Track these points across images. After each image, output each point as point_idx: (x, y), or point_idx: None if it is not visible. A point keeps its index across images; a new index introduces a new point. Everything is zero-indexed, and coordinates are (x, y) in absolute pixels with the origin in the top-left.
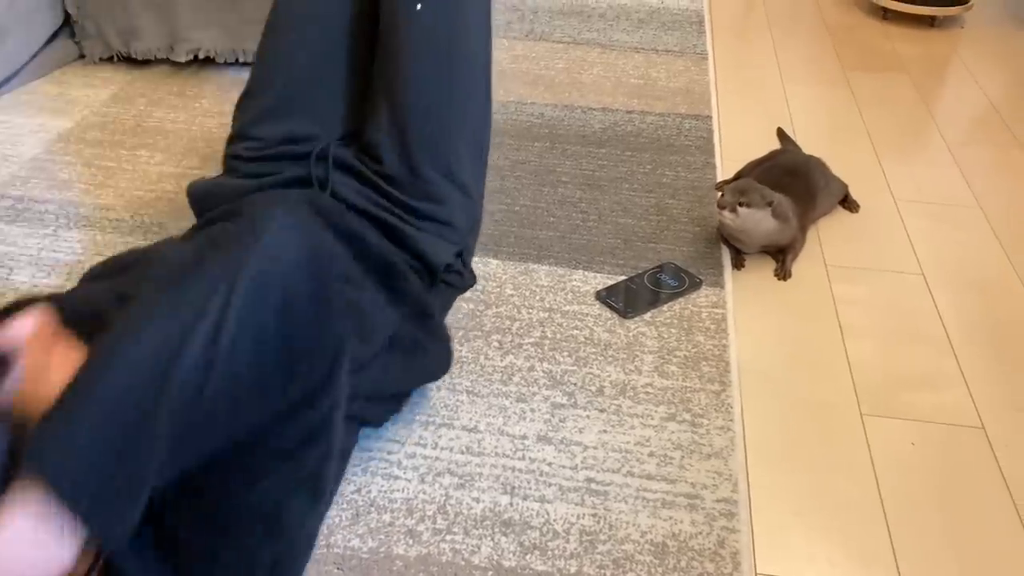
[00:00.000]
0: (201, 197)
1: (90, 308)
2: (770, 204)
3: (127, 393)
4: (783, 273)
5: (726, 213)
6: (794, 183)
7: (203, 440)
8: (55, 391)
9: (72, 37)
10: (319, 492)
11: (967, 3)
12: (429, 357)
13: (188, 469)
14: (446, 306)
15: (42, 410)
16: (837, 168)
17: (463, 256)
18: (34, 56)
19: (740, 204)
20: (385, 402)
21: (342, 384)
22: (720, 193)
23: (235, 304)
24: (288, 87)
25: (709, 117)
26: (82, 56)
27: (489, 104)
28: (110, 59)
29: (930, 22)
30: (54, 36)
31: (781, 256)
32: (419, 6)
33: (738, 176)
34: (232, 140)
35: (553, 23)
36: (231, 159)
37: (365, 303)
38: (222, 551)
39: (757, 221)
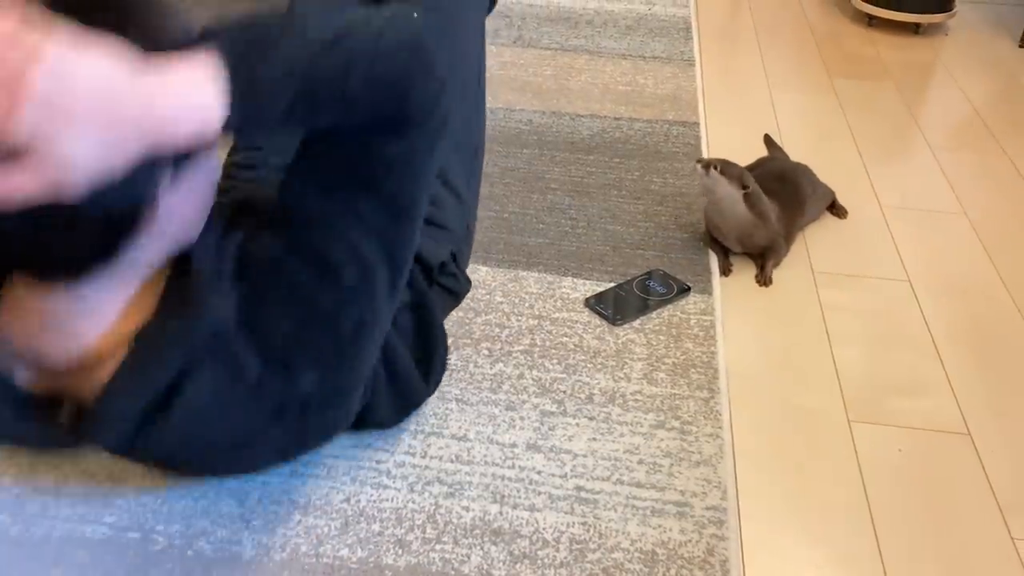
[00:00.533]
0: None
1: None
2: (744, 188)
3: (295, 31)
4: (763, 279)
5: (699, 167)
6: (782, 190)
7: (332, 99)
8: None
9: None
10: (395, 284)
11: (951, 10)
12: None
13: (312, 129)
14: (443, 313)
15: None
16: (823, 174)
17: (457, 259)
18: None
19: (715, 168)
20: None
21: (435, 165)
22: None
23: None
24: None
25: (697, 124)
26: None
27: (482, 113)
28: None
29: (914, 29)
30: None
31: (761, 261)
32: (415, 14)
33: None
34: (233, 151)
35: (541, 30)
36: (232, 167)
37: None
38: (320, 294)
39: (728, 196)
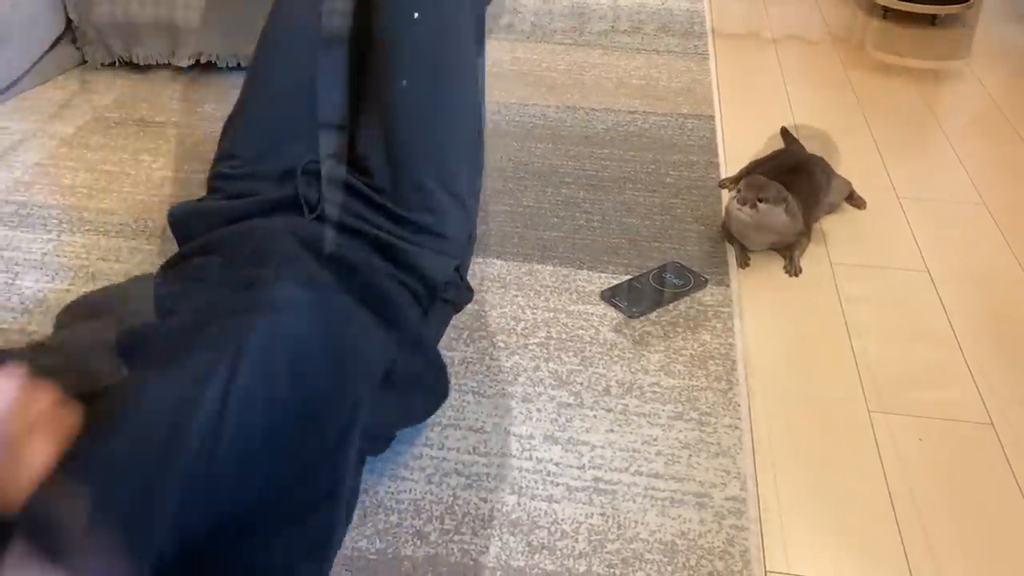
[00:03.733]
0: (184, 220)
1: (72, 356)
2: (785, 200)
3: (133, 459)
4: (793, 269)
5: (746, 209)
6: (797, 181)
7: (212, 505)
8: (35, 463)
9: (74, 43)
10: (327, 558)
11: (968, 1)
12: (424, 393)
13: (193, 537)
14: (443, 324)
15: (18, 486)
16: (840, 166)
17: (460, 271)
18: (36, 62)
19: (760, 200)
20: (384, 440)
21: (354, 451)
22: (737, 190)
23: (244, 367)
24: (275, 106)
25: (711, 117)
26: (84, 61)
27: (480, 112)
28: (112, 64)
29: (931, 20)
30: (56, 42)
31: (788, 253)
32: (416, 15)
33: (740, 175)
34: (217, 160)
35: (554, 24)
36: (215, 179)
37: (359, 335)
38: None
39: (775, 217)
